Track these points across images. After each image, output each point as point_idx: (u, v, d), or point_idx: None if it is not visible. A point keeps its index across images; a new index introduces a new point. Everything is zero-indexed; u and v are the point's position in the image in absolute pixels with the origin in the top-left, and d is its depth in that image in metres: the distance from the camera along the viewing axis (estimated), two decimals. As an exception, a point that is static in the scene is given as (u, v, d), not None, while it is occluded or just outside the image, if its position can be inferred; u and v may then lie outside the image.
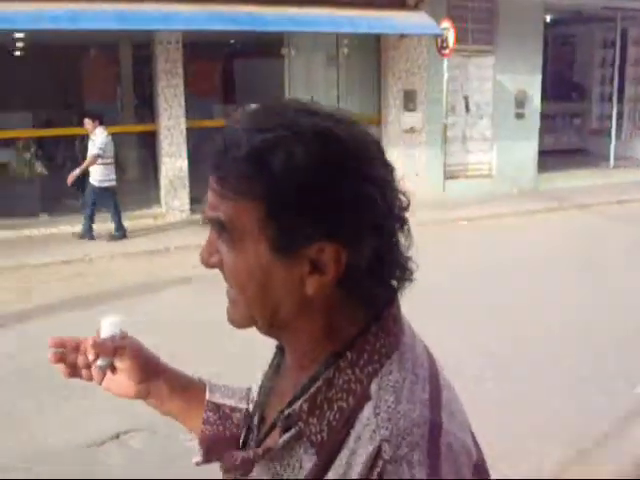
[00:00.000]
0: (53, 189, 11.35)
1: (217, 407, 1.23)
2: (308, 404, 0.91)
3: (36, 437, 4.54)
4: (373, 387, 0.89)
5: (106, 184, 9.92)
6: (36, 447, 4.38)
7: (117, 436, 4.51)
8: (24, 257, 9.16)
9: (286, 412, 0.93)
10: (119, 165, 10.99)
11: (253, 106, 0.96)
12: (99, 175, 9.85)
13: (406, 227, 0.95)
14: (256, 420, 1.10)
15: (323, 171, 0.87)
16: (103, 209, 10.15)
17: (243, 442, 1.14)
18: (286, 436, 0.92)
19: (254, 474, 0.98)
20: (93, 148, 9.83)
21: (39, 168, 11.93)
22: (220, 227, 0.92)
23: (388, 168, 0.93)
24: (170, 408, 1.25)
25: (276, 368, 1.11)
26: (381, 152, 0.94)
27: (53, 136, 12.93)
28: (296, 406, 0.92)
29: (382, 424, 0.85)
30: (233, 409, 1.23)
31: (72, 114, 12.96)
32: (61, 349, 1.20)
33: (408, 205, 0.95)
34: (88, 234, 9.95)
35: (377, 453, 0.83)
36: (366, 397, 0.88)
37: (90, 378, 1.21)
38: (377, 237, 0.90)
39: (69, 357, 1.20)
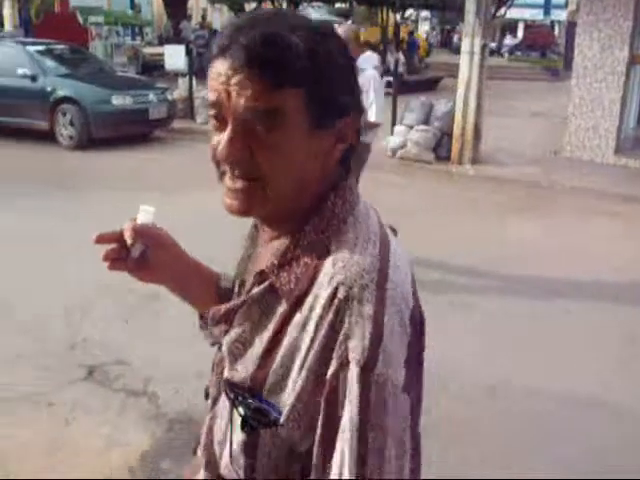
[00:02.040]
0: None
1: (228, 292, 1.39)
2: (278, 261, 1.10)
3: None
4: (332, 246, 1.08)
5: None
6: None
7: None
8: None
9: (258, 269, 1.13)
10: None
11: (264, 11, 1.12)
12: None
13: None
14: (237, 286, 1.28)
15: (342, 59, 1.08)
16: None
17: None
18: (261, 287, 1.12)
19: (235, 322, 1.16)
20: None
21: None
22: (264, 115, 1.01)
23: None
24: (189, 296, 1.43)
25: (252, 241, 1.29)
26: None
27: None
28: (266, 264, 1.11)
29: (338, 271, 1.04)
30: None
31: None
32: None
33: None
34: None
35: (334, 294, 1.02)
36: (326, 252, 1.07)
37: (125, 268, 1.29)
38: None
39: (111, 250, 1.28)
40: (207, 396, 1.35)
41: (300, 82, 1.01)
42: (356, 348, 0.99)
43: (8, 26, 29.43)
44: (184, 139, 12.77)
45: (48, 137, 12.20)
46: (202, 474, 1.32)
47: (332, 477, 1.00)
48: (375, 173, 10.58)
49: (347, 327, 1.00)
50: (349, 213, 1.11)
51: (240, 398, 1.13)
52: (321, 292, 1.04)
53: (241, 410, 1.13)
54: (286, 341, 1.07)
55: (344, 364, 0.99)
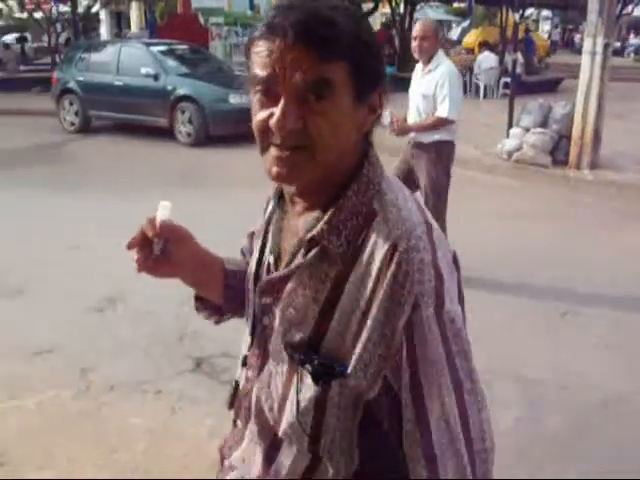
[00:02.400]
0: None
1: (234, 273, 1.51)
2: (327, 226, 1.17)
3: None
4: (376, 207, 1.17)
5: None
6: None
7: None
8: None
9: (308, 236, 1.19)
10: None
11: None
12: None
13: None
14: (272, 259, 1.31)
15: (374, 37, 1.19)
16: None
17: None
18: (312, 253, 1.19)
19: (287, 290, 1.22)
20: None
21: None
22: (315, 86, 1.11)
23: None
24: (201, 285, 1.51)
25: (280, 214, 1.33)
26: None
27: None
28: (316, 230, 1.18)
29: (393, 227, 1.14)
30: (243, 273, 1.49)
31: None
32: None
33: None
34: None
35: (393, 248, 1.12)
36: (372, 213, 1.17)
37: (151, 267, 1.35)
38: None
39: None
40: (245, 364, 1.40)
41: (345, 56, 1.11)
42: (426, 292, 1.11)
43: (134, 28, 30.65)
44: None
45: (167, 134, 12.63)
46: (244, 444, 1.39)
47: (434, 406, 1.13)
48: (488, 176, 10.45)
49: (412, 275, 1.11)
50: (381, 178, 1.22)
51: (303, 357, 1.20)
52: (377, 249, 1.13)
53: (308, 367, 1.20)
54: (343, 299, 1.16)
55: (417, 308, 1.11)
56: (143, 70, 13.02)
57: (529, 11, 31.88)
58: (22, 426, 3.79)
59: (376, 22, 32.70)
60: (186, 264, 1.41)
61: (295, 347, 1.21)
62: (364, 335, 1.13)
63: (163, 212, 1.33)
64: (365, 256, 1.14)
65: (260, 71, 1.13)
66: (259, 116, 1.17)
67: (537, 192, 9.51)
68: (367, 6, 22.77)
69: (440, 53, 5.51)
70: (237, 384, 1.44)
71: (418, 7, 24.64)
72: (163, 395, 4.07)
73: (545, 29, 45.85)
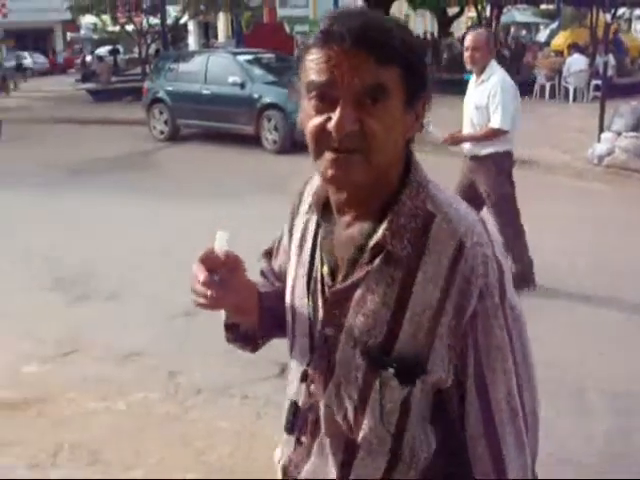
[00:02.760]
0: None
1: (267, 295, 1.48)
2: (389, 231, 1.21)
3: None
4: (429, 206, 1.23)
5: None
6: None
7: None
8: None
9: (371, 244, 1.23)
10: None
11: (351, 7, 1.32)
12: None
13: None
14: (326, 270, 1.32)
15: (423, 47, 1.26)
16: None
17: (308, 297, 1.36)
18: (378, 259, 1.23)
19: (355, 298, 1.25)
20: None
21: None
22: (372, 89, 1.15)
23: None
24: (241, 313, 1.45)
25: (327, 226, 1.33)
26: None
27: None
28: (377, 237, 1.22)
29: (456, 226, 1.21)
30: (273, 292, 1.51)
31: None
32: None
33: None
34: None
35: (460, 245, 1.19)
36: (429, 215, 1.22)
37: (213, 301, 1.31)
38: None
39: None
40: (304, 379, 1.38)
41: (398, 61, 1.16)
42: (490, 284, 1.20)
43: (221, 37, 31.29)
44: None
45: (253, 141, 12.81)
46: (313, 458, 1.38)
47: (498, 389, 1.23)
48: (577, 181, 10.18)
49: (478, 269, 1.19)
50: (427, 181, 1.27)
51: (382, 361, 1.24)
52: (443, 248, 1.20)
53: (391, 370, 1.24)
54: (413, 299, 1.21)
55: (482, 299, 1.19)
56: (230, 79, 13.27)
57: (621, 10, 30.92)
58: (113, 426, 3.90)
59: (461, 26, 32.39)
60: (239, 292, 1.37)
61: (372, 352, 1.25)
62: (439, 331, 1.21)
63: (221, 242, 1.31)
64: (431, 256, 1.20)
65: (317, 77, 1.17)
66: (315, 121, 1.20)
67: (630, 198, 9.19)
68: (452, 10, 22.62)
69: (493, 63, 5.43)
70: (296, 404, 1.42)
71: (505, 10, 24.26)
72: (249, 400, 4.12)
73: (638, 29, 44.35)
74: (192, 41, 37.64)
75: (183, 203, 8.81)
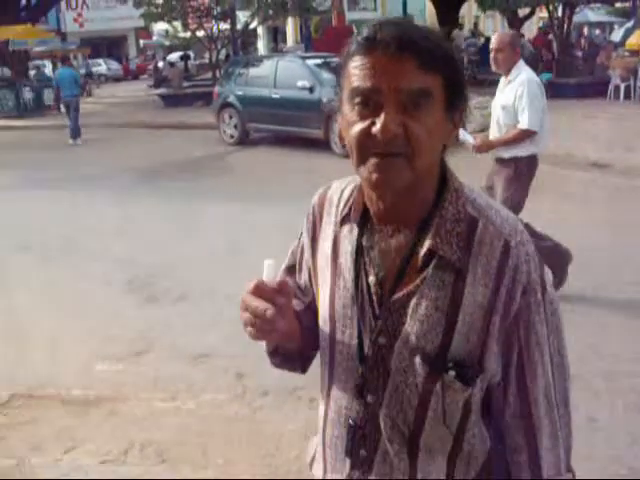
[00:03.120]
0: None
1: (303, 312, 1.49)
2: (438, 237, 1.26)
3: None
4: (470, 211, 1.28)
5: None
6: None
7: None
8: None
9: (422, 251, 1.26)
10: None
11: (391, 17, 1.32)
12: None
13: None
14: (373, 280, 1.32)
15: (461, 58, 1.31)
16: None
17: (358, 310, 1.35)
18: (432, 264, 1.26)
19: (411, 305, 1.28)
20: None
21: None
22: (416, 95, 1.18)
23: None
24: (287, 337, 1.38)
25: (369, 238, 1.34)
26: None
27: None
28: (428, 244, 1.26)
29: (500, 227, 1.27)
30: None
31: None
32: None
33: None
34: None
35: (506, 246, 1.25)
36: (472, 218, 1.27)
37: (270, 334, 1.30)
38: None
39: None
40: (360, 392, 1.35)
41: (440, 69, 1.19)
42: (533, 280, 1.25)
43: (290, 42, 31.52)
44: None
45: (322, 145, 12.85)
46: (376, 467, 1.37)
47: (537, 382, 1.29)
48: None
49: (522, 267, 1.24)
50: (463, 186, 1.32)
51: (441, 364, 1.27)
52: (491, 249, 1.25)
53: (452, 372, 1.27)
54: (465, 301, 1.25)
55: (525, 295, 1.25)
56: (299, 83, 13.35)
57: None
58: (181, 426, 3.96)
59: (532, 27, 31.84)
60: (292, 319, 1.35)
61: (431, 357, 1.27)
62: (491, 329, 1.25)
63: (269, 271, 1.27)
64: (480, 258, 1.25)
65: (362, 83, 1.19)
66: (358, 126, 1.21)
67: None
68: (523, 11, 22.23)
69: (520, 63, 5.35)
70: (354, 422, 1.38)
71: (577, 9, 23.71)
72: (316, 403, 4.11)
73: None
74: (261, 46, 37.98)
75: (253, 205, 8.91)
